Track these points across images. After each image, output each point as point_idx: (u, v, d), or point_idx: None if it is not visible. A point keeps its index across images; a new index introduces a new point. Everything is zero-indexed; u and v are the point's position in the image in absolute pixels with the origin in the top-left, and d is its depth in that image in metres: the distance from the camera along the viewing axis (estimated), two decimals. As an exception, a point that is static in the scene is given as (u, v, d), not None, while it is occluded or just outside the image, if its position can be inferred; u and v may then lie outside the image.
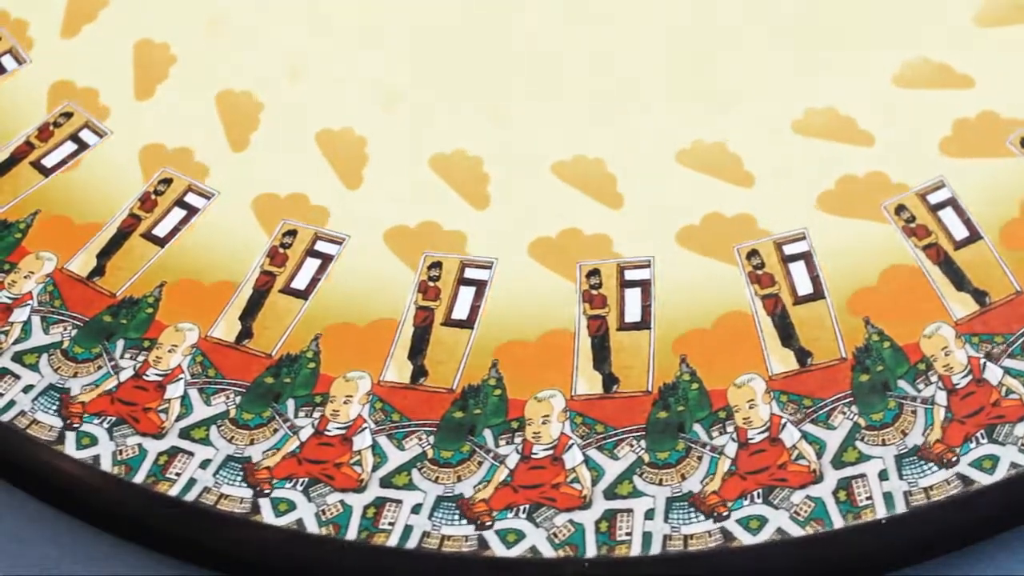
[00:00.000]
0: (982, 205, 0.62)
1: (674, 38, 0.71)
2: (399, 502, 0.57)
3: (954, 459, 0.55)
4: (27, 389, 0.63)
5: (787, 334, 0.60)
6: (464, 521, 0.57)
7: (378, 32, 0.74)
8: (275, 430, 0.61)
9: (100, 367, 0.63)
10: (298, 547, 0.57)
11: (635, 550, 0.55)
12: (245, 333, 0.64)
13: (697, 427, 0.58)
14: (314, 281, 0.65)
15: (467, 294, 0.64)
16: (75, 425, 0.61)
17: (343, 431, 0.60)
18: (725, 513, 0.55)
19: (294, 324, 0.64)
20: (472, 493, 0.58)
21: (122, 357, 0.64)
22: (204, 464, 0.60)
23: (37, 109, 0.74)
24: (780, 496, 0.55)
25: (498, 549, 0.56)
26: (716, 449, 0.57)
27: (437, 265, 0.65)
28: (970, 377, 0.58)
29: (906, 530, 0.54)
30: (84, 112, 0.73)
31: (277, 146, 0.71)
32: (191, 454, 0.60)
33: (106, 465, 0.60)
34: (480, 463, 0.59)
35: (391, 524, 0.57)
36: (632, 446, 0.58)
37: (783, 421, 0.58)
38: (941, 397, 0.57)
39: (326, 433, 0.60)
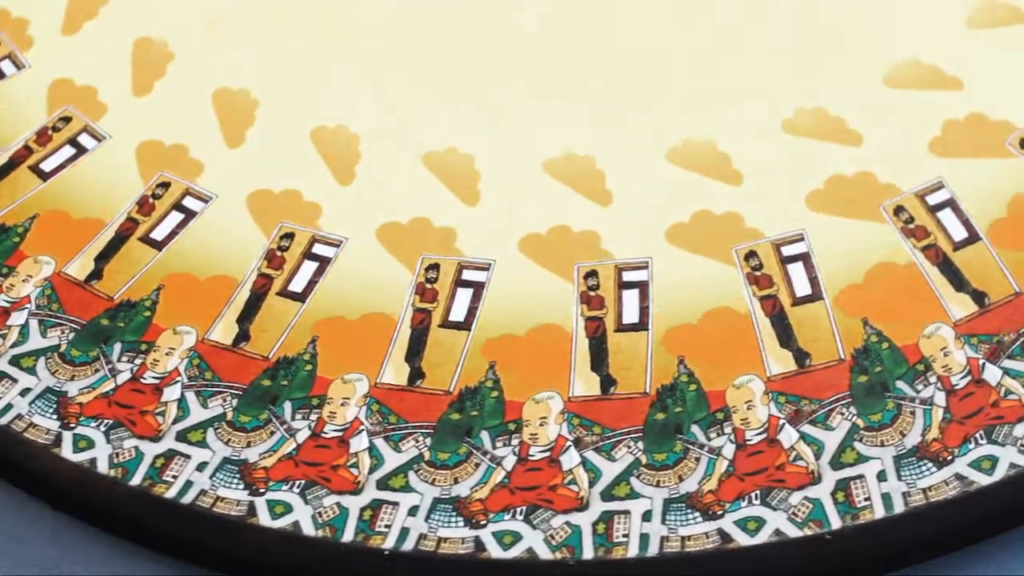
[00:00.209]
0: (968, 204, 0.63)
1: (666, 37, 0.71)
2: (396, 504, 0.57)
3: (952, 459, 0.55)
4: (24, 392, 0.63)
5: (785, 335, 0.60)
6: (461, 523, 0.56)
7: (373, 30, 0.75)
8: (272, 432, 0.60)
9: (97, 370, 0.63)
10: (294, 549, 0.57)
11: (632, 552, 0.55)
12: (242, 336, 0.64)
13: (695, 428, 0.58)
14: (311, 284, 0.65)
15: (464, 296, 0.64)
16: (72, 426, 0.61)
17: (340, 433, 0.60)
18: (720, 512, 0.55)
19: (291, 327, 0.64)
20: (469, 495, 0.57)
21: (119, 360, 0.64)
22: (201, 467, 0.59)
23: (36, 114, 0.74)
24: (778, 497, 0.55)
25: (495, 551, 0.55)
26: (714, 450, 0.57)
27: (435, 267, 0.65)
28: (969, 378, 0.57)
29: (905, 531, 0.54)
30: (83, 116, 0.73)
31: (272, 142, 0.71)
32: (188, 457, 0.60)
33: (103, 468, 0.60)
34: (477, 465, 0.58)
35: (388, 526, 0.57)
36: (630, 448, 0.58)
37: (780, 422, 0.57)
38: (940, 398, 0.57)
39: (323, 435, 0.60)
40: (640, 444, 0.58)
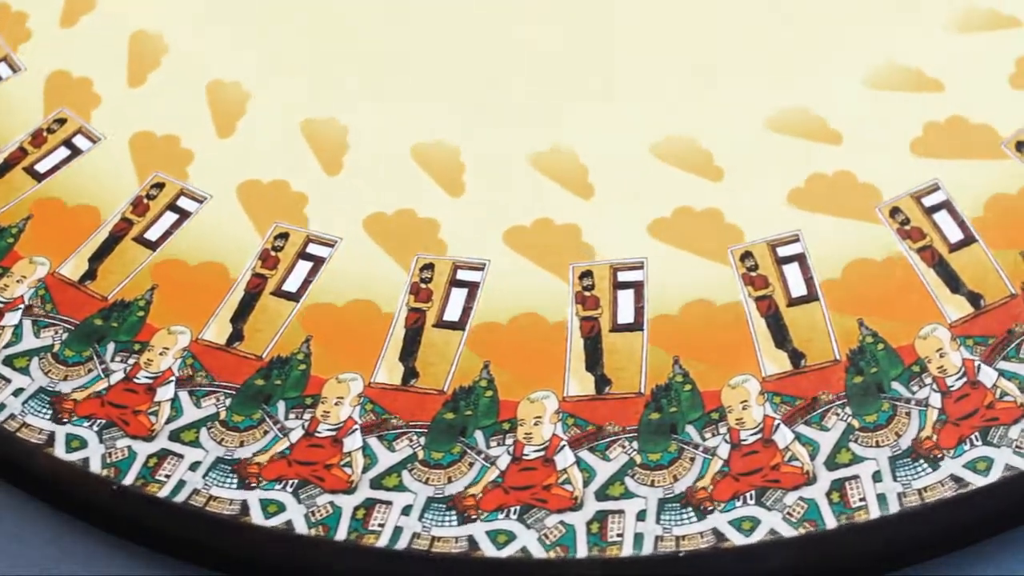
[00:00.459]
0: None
1: (650, 33, 0.72)
2: (389, 503, 0.57)
3: (946, 460, 0.55)
4: (17, 392, 0.63)
5: (781, 336, 0.60)
6: (454, 522, 0.56)
7: (364, 26, 0.75)
8: (265, 432, 0.60)
9: (90, 370, 0.63)
10: (287, 548, 0.57)
11: (627, 551, 0.54)
12: (236, 335, 0.64)
13: (690, 428, 0.58)
14: (305, 283, 0.65)
15: (459, 296, 0.64)
16: (65, 423, 0.61)
17: (333, 432, 0.60)
18: (711, 508, 0.55)
19: (285, 326, 0.64)
20: (463, 494, 0.57)
21: (112, 360, 0.63)
22: (194, 466, 0.59)
23: (31, 116, 0.74)
24: (773, 497, 0.55)
25: (488, 550, 0.55)
26: (708, 450, 0.57)
27: (429, 267, 0.65)
28: (964, 379, 0.57)
29: (900, 531, 0.54)
30: (78, 119, 0.73)
31: (262, 134, 0.71)
32: (181, 456, 0.60)
33: (95, 467, 0.59)
34: (471, 464, 0.58)
35: (381, 525, 0.56)
36: (624, 447, 0.58)
37: (776, 422, 0.57)
38: (935, 399, 0.57)
39: (316, 435, 0.60)
40: (635, 444, 0.58)
